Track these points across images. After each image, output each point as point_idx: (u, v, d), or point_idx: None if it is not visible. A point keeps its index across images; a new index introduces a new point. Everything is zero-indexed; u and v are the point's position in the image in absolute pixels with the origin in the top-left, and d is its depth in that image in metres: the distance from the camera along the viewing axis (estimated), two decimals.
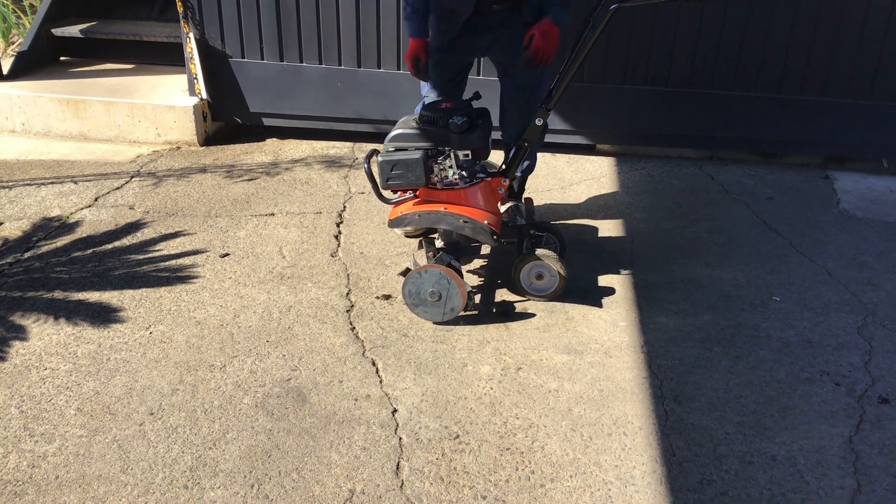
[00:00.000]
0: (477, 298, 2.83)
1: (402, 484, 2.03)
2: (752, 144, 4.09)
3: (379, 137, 4.17)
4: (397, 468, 2.08)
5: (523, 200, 2.96)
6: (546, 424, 2.24)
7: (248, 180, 3.81)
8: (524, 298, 2.84)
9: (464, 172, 2.64)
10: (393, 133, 2.64)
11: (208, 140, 4.28)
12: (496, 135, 2.89)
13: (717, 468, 2.10)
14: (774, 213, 3.54)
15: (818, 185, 3.85)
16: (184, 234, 3.28)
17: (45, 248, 3.16)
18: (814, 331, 2.69)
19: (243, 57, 4.14)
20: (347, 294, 2.87)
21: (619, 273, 3.03)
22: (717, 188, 3.81)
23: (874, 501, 2.00)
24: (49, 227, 3.33)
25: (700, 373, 2.48)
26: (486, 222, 2.63)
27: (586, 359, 2.53)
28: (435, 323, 2.69)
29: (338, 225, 3.38)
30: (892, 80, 3.78)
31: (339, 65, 4.09)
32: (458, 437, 2.20)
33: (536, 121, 2.70)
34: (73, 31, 4.70)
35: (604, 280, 2.98)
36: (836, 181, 3.89)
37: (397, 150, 2.63)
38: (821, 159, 4.06)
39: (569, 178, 3.88)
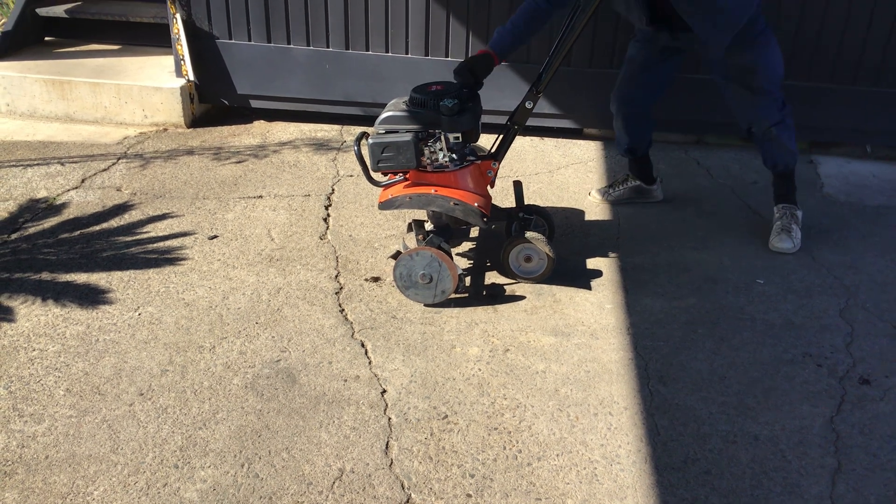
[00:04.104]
0: (467, 281, 2.85)
1: (392, 463, 2.06)
2: (738, 129, 4.10)
3: (367, 120, 4.16)
4: (386, 447, 2.11)
5: (512, 183, 2.97)
6: (533, 405, 2.27)
7: (236, 162, 3.80)
8: (513, 281, 2.86)
9: (454, 155, 2.65)
10: (383, 115, 2.64)
11: (195, 122, 4.26)
12: (487, 118, 2.90)
13: (701, 447, 2.14)
14: (759, 197, 3.58)
15: (802, 169, 3.87)
16: (172, 216, 3.27)
17: (31, 230, 3.14)
18: (797, 313, 2.73)
19: (230, 38, 4.12)
20: (336, 276, 2.88)
21: (605, 256, 3.05)
22: (702, 172, 3.84)
23: (854, 480, 2.04)
24: (36, 209, 3.31)
25: (685, 354, 2.51)
26: (476, 205, 2.64)
27: (573, 340, 2.55)
28: (425, 305, 2.71)
29: (326, 208, 3.38)
30: (877, 65, 3.82)
31: (327, 46, 4.07)
32: (446, 417, 2.22)
33: (526, 104, 2.71)
34: (59, 11, 4.65)
35: (591, 263, 3.01)
36: (819, 166, 3.93)
37: (388, 132, 2.63)
38: (805, 144, 4.09)
39: (556, 161, 3.90)
